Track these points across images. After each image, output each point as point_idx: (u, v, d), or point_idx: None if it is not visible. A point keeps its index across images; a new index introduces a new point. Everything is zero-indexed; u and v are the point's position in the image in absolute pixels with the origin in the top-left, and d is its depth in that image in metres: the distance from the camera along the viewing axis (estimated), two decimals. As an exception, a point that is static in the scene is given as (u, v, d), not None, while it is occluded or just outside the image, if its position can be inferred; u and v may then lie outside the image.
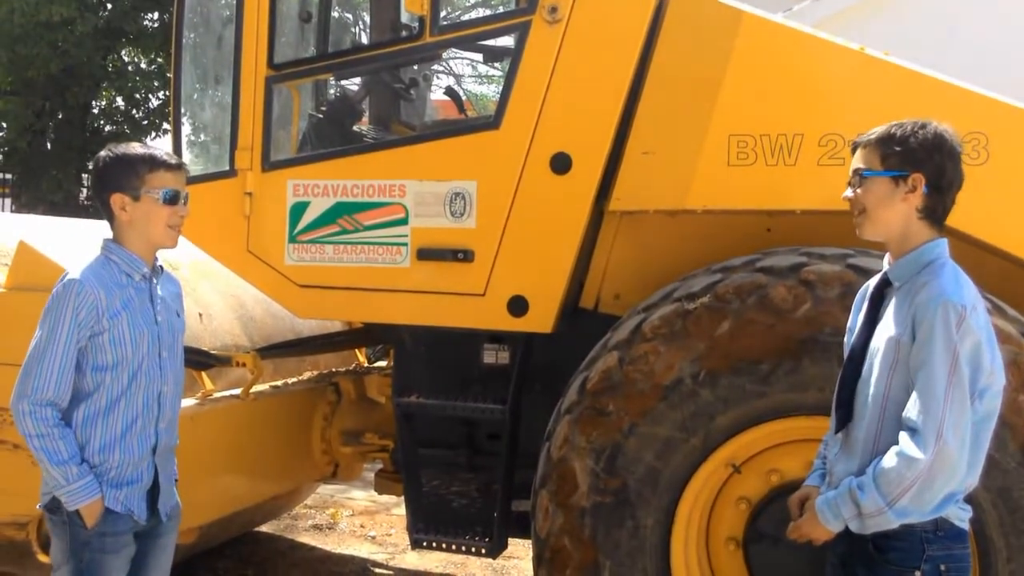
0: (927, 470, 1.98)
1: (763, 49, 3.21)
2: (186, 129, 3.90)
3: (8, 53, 12.20)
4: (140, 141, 15.31)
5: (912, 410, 2.02)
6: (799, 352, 2.73)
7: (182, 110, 3.84)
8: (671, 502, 2.87)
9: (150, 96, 15.07)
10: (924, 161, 2.13)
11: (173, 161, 2.64)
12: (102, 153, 2.65)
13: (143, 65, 15.16)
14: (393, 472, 4.15)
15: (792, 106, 3.14)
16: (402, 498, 3.79)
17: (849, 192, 2.24)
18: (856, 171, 2.22)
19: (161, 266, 2.72)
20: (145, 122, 15.20)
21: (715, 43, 3.21)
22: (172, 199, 2.60)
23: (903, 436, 2.03)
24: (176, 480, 2.79)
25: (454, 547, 3.49)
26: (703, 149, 3.16)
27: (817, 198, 3.06)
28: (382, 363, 4.81)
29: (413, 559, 5.13)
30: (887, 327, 2.14)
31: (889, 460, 2.03)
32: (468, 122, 4.11)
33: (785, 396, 2.75)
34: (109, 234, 2.68)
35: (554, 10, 3.32)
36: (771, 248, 3.01)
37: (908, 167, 2.13)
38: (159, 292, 2.67)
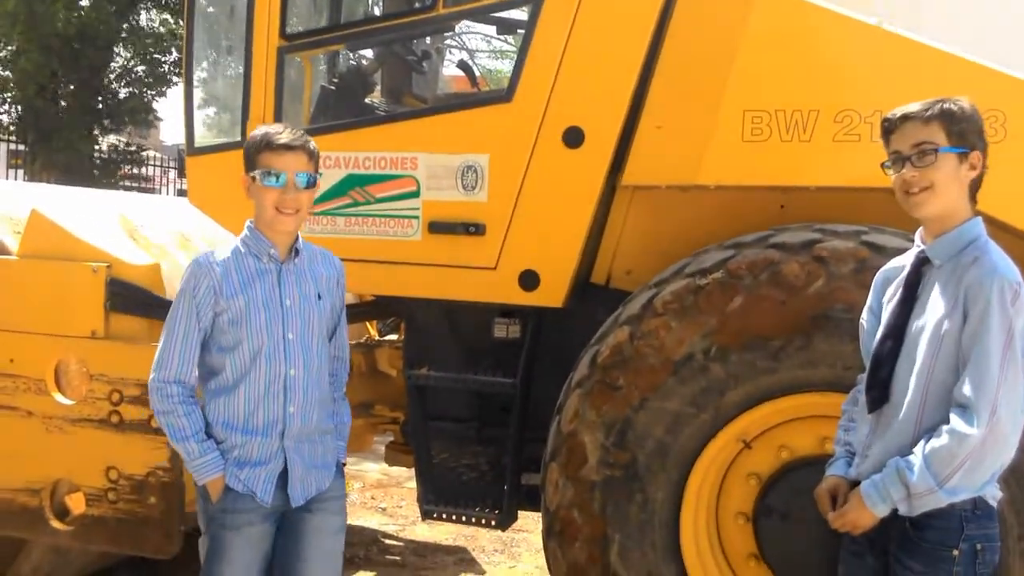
0: (979, 446, 1.98)
1: (778, 23, 3.17)
2: (198, 100, 3.87)
3: (25, 10, 12.09)
4: (152, 103, 15.39)
5: (964, 387, 2.01)
6: (811, 329, 2.72)
7: (194, 80, 3.82)
8: (681, 477, 2.87)
9: (162, 57, 14.98)
10: (980, 139, 2.14)
11: (280, 141, 2.54)
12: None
13: (157, 26, 15.07)
14: (403, 444, 4.17)
15: (808, 82, 3.11)
16: (413, 470, 3.81)
17: (910, 169, 2.13)
18: (922, 145, 2.12)
19: (298, 249, 2.63)
20: (154, 83, 15.13)
21: (730, 17, 3.17)
22: (276, 181, 2.53)
23: (954, 414, 2.02)
24: (342, 464, 2.75)
25: (464, 519, 3.51)
26: (717, 124, 3.14)
27: (833, 175, 3.04)
28: (392, 336, 4.82)
29: (424, 531, 5.17)
30: (932, 306, 2.12)
31: (939, 438, 2.02)
32: (480, 95, 4.09)
33: (796, 373, 2.74)
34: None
35: (568, -18, 3.28)
36: (784, 225, 3.00)
37: (969, 144, 2.12)
38: (295, 273, 2.61)
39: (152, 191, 19.22)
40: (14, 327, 3.38)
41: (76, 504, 3.38)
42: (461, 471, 3.73)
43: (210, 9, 3.99)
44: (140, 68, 15.05)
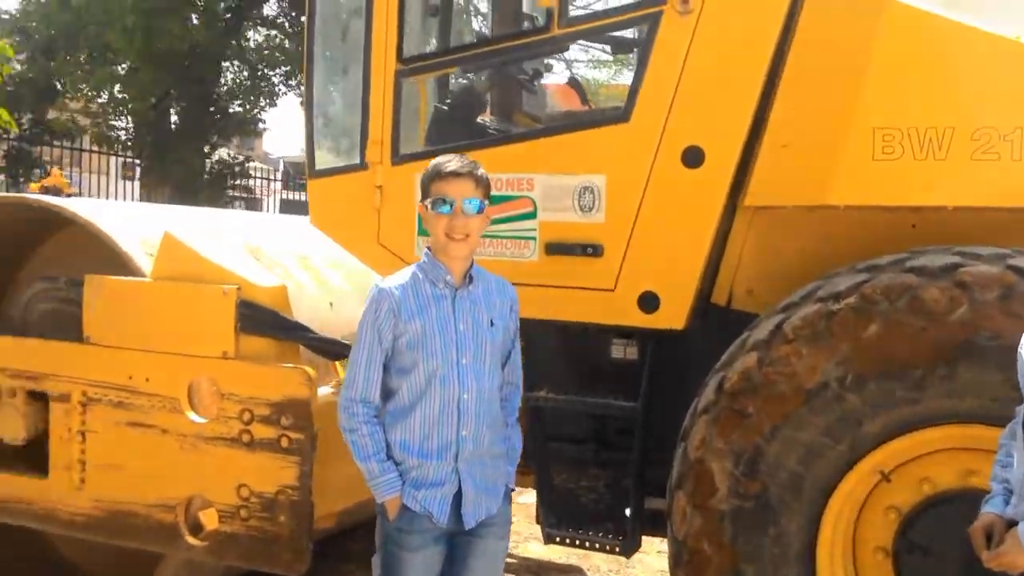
0: None
1: (909, 38, 3.07)
2: (318, 123, 3.97)
3: (143, 27, 12.58)
4: (260, 117, 15.93)
5: None
6: (954, 357, 2.61)
7: (314, 104, 3.91)
8: (815, 509, 2.79)
9: (268, 71, 15.44)
10: None
11: (448, 169, 2.64)
12: None
13: (262, 41, 15.54)
14: (520, 464, 4.18)
15: (941, 99, 3.00)
16: (526, 488, 3.82)
17: None
18: None
19: (472, 275, 2.72)
20: (260, 96, 15.61)
21: (857, 33, 3.09)
22: (443, 208, 2.62)
23: None
24: (511, 489, 2.82)
25: (587, 544, 3.49)
26: (846, 143, 3.05)
27: (970, 194, 2.93)
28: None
29: (537, 548, 5.17)
30: None
31: None
32: (597, 115, 4.07)
33: (939, 403, 2.64)
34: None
35: (686, 1, 3.25)
36: (918, 247, 2.90)
37: None
38: (469, 299, 2.70)
39: (256, 201, 19.81)
40: (149, 347, 3.50)
41: (209, 520, 3.48)
42: (580, 494, 3.72)
43: (329, 34, 4.07)
44: (248, 82, 15.52)
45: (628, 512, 3.54)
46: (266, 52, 15.10)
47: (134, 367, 3.49)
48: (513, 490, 2.89)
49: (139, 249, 3.65)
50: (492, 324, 2.74)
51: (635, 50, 3.86)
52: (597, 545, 3.52)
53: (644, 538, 3.88)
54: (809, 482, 2.79)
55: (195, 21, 12.81)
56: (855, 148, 3.03)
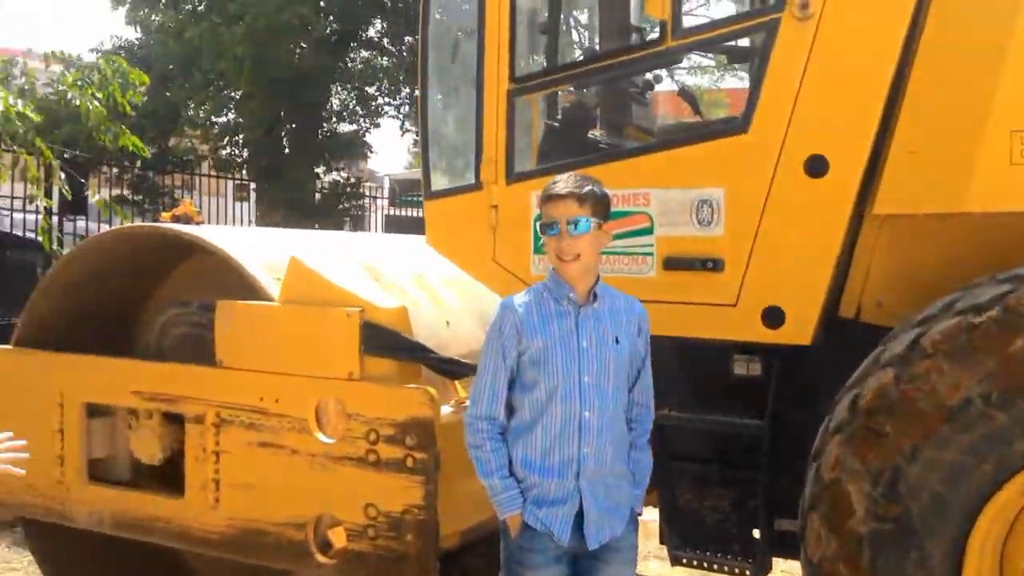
0: None
1: None
2: (434, 144, 4.02)
3: (252, 55, 13.08)
4: (366, 140, 16.39)
5: None
6: (1111, 373, 2.47)
7: (429, 126, 3.97)
8: (961, 531, 2.67)
9: (373, 91, 15.83)
10: None
11: (551, 192, 2.70)
12: None
13: (364, 63, 15.92)
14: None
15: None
16: (648, 507, 3.76)
17: None
18: None
19: (596, 292, 2.73)
20: (366, 116, 16.01)
21: (992, 29, 2.95)
22: (550, 230, 2.68)
23: None
24: (637, 513, 2.80)
25: (715, 567, 3.42)
26: (981, 147, 2.91)
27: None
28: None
29: (657, 567, 5.10)
30: None
31: None
32: (714, 127, 4.01)
33: (1094, 420, 2.49)
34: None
35: (805, 6, 3.16)
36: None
37: None
38: (593, 317, 2.71)
39: (361, 218, 20.26)
40: (278, 369, 3.60)
41: (338, 539, 3.55)
42: (705, 514, 3.65)
43: (442, 56, 4.13)
44: (353, 104, 15.93)
45: (757, 534, 3.46)
46: (370, 73, 15.47)
47: (264, 389, 3.59)
48: (639, 514, 2.84)
49: (266, 274, 3.75)
50: (617, 342, 2.72)
51: (751, 59, 3.78)
52: (727, 568, 3.44)
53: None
54: (954, 503, 2.66)
55: (302, 47, 13.24)
56: (992, 152, 2.90)
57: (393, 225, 21.51)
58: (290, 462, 3.57)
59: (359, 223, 19.38)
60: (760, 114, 3.25)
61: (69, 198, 7.40)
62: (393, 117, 16.29)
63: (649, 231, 3.47)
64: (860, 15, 3.13)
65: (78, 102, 6.86)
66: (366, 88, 15.70)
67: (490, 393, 2.72)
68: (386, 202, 22.43)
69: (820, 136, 3.16)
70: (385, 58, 15.62)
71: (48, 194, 7.36)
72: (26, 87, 6.82)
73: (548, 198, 2.69)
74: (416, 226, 21.29)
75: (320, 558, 3.55)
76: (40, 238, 7.18)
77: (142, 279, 4.49)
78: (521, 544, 2.65)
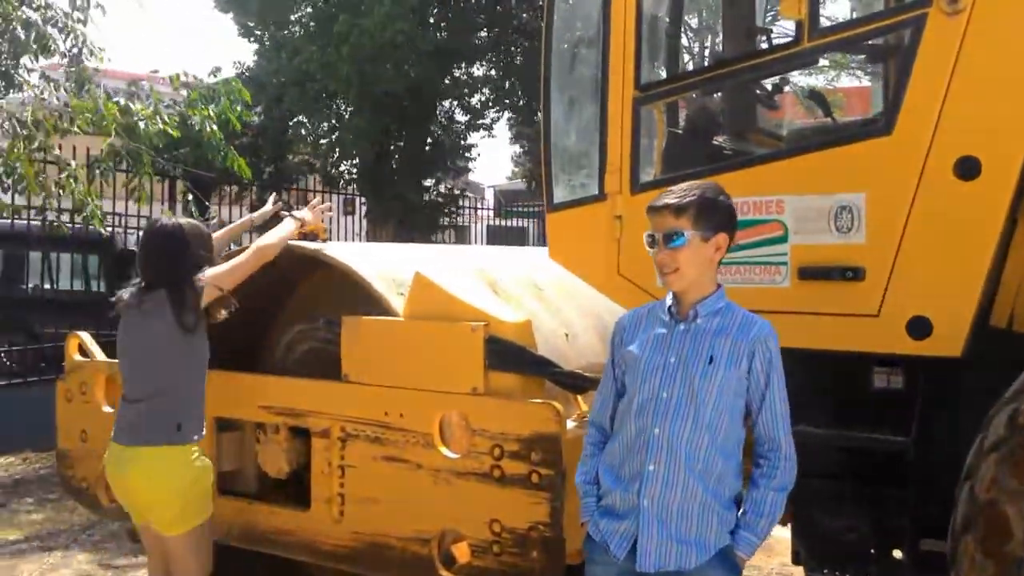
0: None
1: None
2: (557, 157, 3.96)
3: (358, 74, 13.34)
4: (471, 155, 16.59)
5: None
6: None
7: (551, 137, 3.91)
8: None
9: (482, 107, 15.97)
10: None
11: (653, 203, 2.67)
12: None
13: (477, 74, 16.08)
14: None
15: None
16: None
17: None
18: None
19: (698, 309, 2.61)
20: (472, 129, 16.17)
21: None
22: (649, 242, 2.65)
23: None
24: (735, 556, 2.56)
25: (857, 588, 3.25)
26: None
27: None
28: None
29: (781, 584, 4.93)
30: None
31: None
32: (853, 129, 3.84)
33: None
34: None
35: (954, 0, 2.99)
36: None
37: None
38: (691, 333, 2.60)
39: (464, 230, 20.44)
40: (403, 383, 3.59)
41: (462, 554, 3.51)
42: (841, 534, 3.47)
43: (564, 67, 4.07)
44: (462, 116, 16.10)
45: (900, 555, 3.27)
46: (475, 85, 15.61)
47: (389, 403, 3.59)
48: (744, 557, 2.58)
49: (390, 289, 3.76)
50: (711, 361, 2.55)
51: (893, 58, 3.61)
52: (868, 590, 3.26)
53: None
54: None
55: (407, 64, 13.43)
56: None
57: (495, 236, 21.63)
58: (414, 476, 3.55)
59: (462, 235, 19.56)
60: (905, 115, 3.09)
61: (195, 216, 7.67)
62: (501, 128, 16.44)
63: (783, 239, 3.34)
64: (1013, 7, 2.95)
65: (196, 122, 7.11)
66: (471, 100, 15.84)
67: (602, 401, 2.77)
68: (490, 213, 22.60)
69: (971, 136, 2.99)
70: (491, 69, 15.73)
71: (174, 212, 7.66)
72: (152, 107, 7.12)
73: (648, 210, 2.66)
74: (518, 237, 21.35)
75: (444, 573, 3.52)
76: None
77: (268, 294, 4.57)
78: (586, 554, 2.67)
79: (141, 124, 6.75)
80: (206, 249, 3.72)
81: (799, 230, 3.30)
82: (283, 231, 3.91)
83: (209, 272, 3.63)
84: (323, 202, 4.41)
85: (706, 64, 4.46)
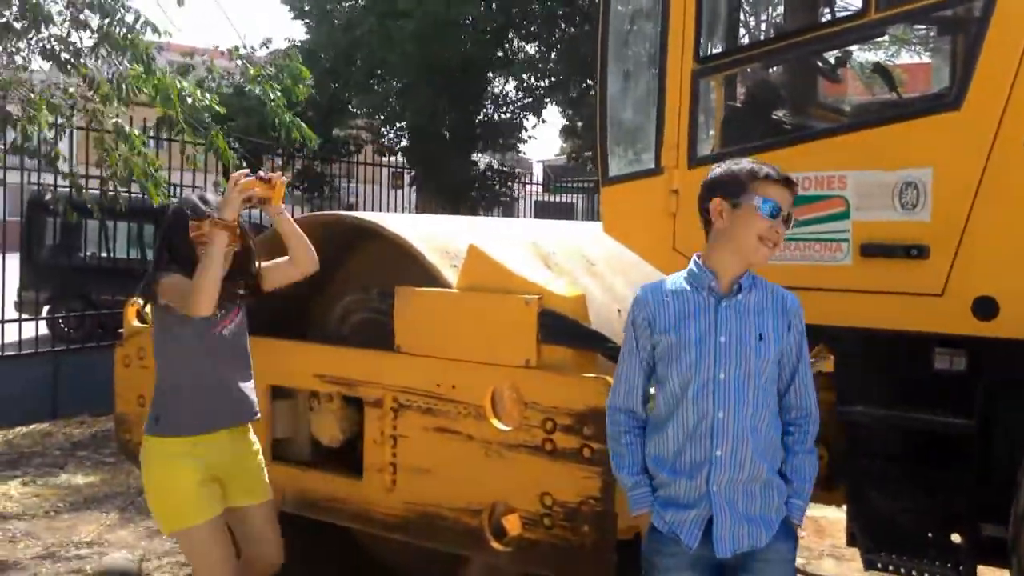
0: None
1: None
2: (612, 130, 3.92)
3: (420, 52, 13.36)
4: (524, 127, 16.55)
5: None
6: None
7: (607, 111, 3.88)
8: None
9: (536, 81, 15.91)
10: None
11: (781, 176, 2.54)
12: (715, 166, 2.65)
13: (530, 51, 16.03)
14: (823, 480, 3.93)
15: None
16: (820, 505, 3.57)
17: None
18: None
19: (741, 284, 2.54)
20: (525, 107, 16.12)
21: None
22: (771, 211, 2.49)
23: None
24: (794, 525, 2.59)
25: (912, 572, 3.20)
26: None
27: None
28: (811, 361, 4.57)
29: (830, 565, 4.88)
30: None
31: None
32: (920, 104, 3.75)
33: None
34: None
35: (1031, -31, 2.89)
36: None
37: None
38: (735, 310, 2.52)
39: (512, 203, 20.45)
40: (455, 355, 3.59)
41: (512, 526, 3.52)
42: (899, 517, 3.42)
43: (620, 40, 4.02)
44: (514, 92, 16.06)
45: (959, 539, 3.21)
46: (528, 62, 15.54)
47: (441, 375, 3.59)
48: (799, 525, 2.61)
49: (443, 260, 3.75)
50: (761, 339, 2.50)
51: (962, 30, 3.50)
52: (925, 574, 3.21)
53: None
54: None
55: (462, 38, 13.41)
56: None
57: (543, 211, 21.59)
58: (466, 448, 3.56)
59: (509, 209, 19.54)
60: (975, 89, 3.00)
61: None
62: (551, 106, 16.30)
63: (845, 216, 3.27)
64: (1093, -23, 2.84)
65: (259, 93, 7.20)
66: (524, 76, 15.77)
67: (626, 386, 2.62)
68: (539, 188, 22.55)
69: (1045, 111, 2.89)
70: (544, 47, 15.65)
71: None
72: (212, 81, 7.19)
73: (772, 179, 2.50)
74: (566, 212, 21.32)
75: (495, 545, 3.53)
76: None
77: (321, 266, 4.60)
78: (651, 546, 2.54)
79: (188, 100, 6.83)
80: (180, 234, 3.31)
81: (862, 206, 3.23)
82: (212, 256, 3.19)
83: (166, 279, 3.29)
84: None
85: (768, 36, 4.35)
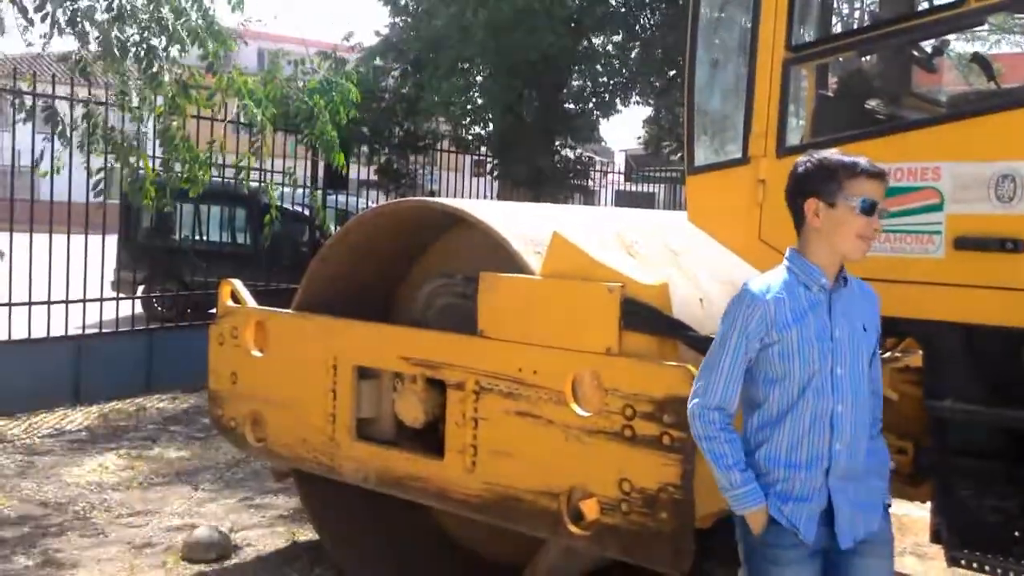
0: None
1: None
2: (699, 119, 3.91)
3: (495, 42, 13.44)
4: (598, 122, 16.51)
5: None
6: None
7: (695, 100, 3.86)
8: None
9: (609, 81, 15.85)
10: None
11: (875, 169, 2.52)
12: (802, 158, 2.62)
13: (609, 47, 15.97)
14: (909, 476, 3.86)
15: None
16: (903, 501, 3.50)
17: None
18: None
19: (845, 277, 2.59)
20: (600, 105, 16.07)
21: None
22: (868, 209, 2.49)
23: None
24: (887, 506, 2.66)
25: (998, 571, 3.14)
26: None
27: None
28: (895, 354, 4.49)
29: (912, 563, 4.79)
30: None
31: None
32: (1019, 95, 3.64)
33: None
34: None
35: None
36: None
37: None
38: (842, 303, 2.57)
39: (593, 192, 20.41)
40: (537, 341, 3.64)
41: (590, 510, 3.55)
42: (988, 515, 3.35)
43: (710, 28, 4.00)
44: (591, 90, 16.03)
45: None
46: (609, 55, 15.48)
47: (523, 360, 3.64)
48: (889, 505, 2.68)
49: (527, 247, 3.80)
50: (865, 329, 2.56)
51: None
52: (1011, 573, 3.14)
53: None
54: None
55: (540, 29, 13.42)
56: None
57: (624, 200, 21.48)
58: (546, 432, 3.61)
59: (590, 199, 19.48)
60: (1080, 78, 2.90)
61: (341, 173, 8.05)
62: (632, 98, 16.17)
63: (938, 208, 3.21)
64: None
65: (311, 104, 7.48)
66: (603, 67, 15.71)
67: (727, 383, 2.55)
68: (621, 177, 22.44)
69: None
70: (624, 39, 15.56)
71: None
72: (305, 77, 7.43)
73: (869, 174, 2.48)
74: (647, 202, 21.17)
75: (572, 529, 3.57)
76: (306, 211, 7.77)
77: (406, 251, 4.69)
78: (766, 540, 2.52)
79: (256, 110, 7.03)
80: None
81: (956, 198, 3.17)
82: None
83: None
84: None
85: (862, 25, 4.27)
